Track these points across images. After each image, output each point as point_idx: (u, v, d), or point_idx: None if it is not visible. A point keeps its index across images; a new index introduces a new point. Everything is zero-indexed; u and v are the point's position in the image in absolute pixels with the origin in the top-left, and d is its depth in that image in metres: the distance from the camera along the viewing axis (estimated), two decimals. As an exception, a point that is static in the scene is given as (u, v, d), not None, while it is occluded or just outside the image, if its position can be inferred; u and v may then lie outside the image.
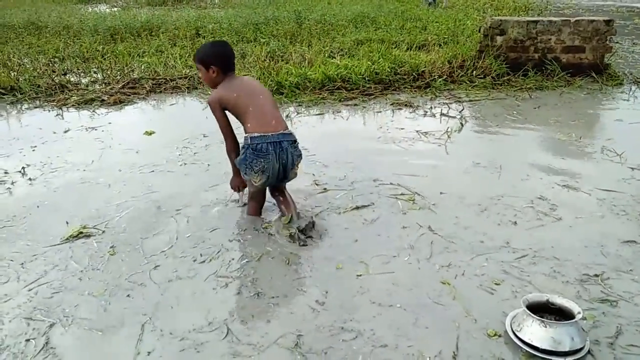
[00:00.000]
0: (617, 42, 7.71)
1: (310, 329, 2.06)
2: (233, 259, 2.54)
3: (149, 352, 1.95)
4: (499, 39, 6.10)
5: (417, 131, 4.36)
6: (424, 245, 2.63)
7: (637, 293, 2.23)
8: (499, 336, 2.00)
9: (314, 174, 3.48)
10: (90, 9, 12.33)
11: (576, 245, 2.61)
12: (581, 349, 1.87)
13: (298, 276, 2.40)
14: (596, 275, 2.36)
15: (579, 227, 2.79)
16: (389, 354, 1.92)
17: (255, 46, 7.37)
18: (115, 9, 12.78)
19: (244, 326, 2.08)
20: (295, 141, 2.75)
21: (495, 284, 2.31)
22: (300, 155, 2.80)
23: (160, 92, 5.77)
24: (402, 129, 4.47)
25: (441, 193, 3.18)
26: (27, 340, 2.03)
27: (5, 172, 3.60)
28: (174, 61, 6.70)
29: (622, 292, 2.24)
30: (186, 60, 6.79)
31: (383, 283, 2.33)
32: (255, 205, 2.92)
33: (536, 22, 6.06)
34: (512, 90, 5.66)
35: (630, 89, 5.68)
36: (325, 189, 3.28)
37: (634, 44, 8.26)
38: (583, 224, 2.82)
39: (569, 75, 6.01)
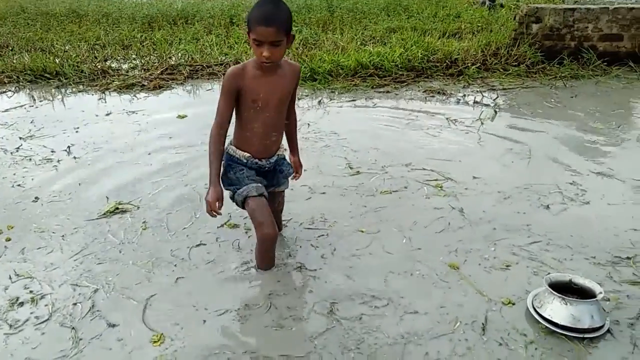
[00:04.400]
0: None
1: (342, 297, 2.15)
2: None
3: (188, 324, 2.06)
4: (535, 26, 6.00)
5: (447, 118, 4.37)
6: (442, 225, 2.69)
7: (669, 277, 2.22)
8: (513, 304, 2.07)
9: (346, 158, 3.55)
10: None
11: (608, 228, 2.61)
12: (600, 327, 1.90)
13: (324, 250, 2.49)
14: (628, 258, 2.36)
15: (611, 212, 2.78)
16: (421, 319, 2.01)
17: (288, 34, 7.42)
18: (151, -3, 13.05)
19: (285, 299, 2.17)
20: None
21: (508, 265, 2.34)
22: None
23: (197, 78, 5.91)
24: (433, 115, 4.48)
25: (474, 177, 3.21)
26: (74, 304, 2.17)
27: (52, 151, 3.79)
28: (210, 48, 6.84)
29: (654, 276, 2.23)
30: (221, 47, 6.91)
31: (402, 258, 2.41)
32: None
33: (573, 9, 5.94)
34: (547, 79, 5.58)
35: (672, 78, 5.52)
36: (358, 171, 3.34)
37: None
38: (614, 209, 2.81)
39: (605, 64, 5.88)
